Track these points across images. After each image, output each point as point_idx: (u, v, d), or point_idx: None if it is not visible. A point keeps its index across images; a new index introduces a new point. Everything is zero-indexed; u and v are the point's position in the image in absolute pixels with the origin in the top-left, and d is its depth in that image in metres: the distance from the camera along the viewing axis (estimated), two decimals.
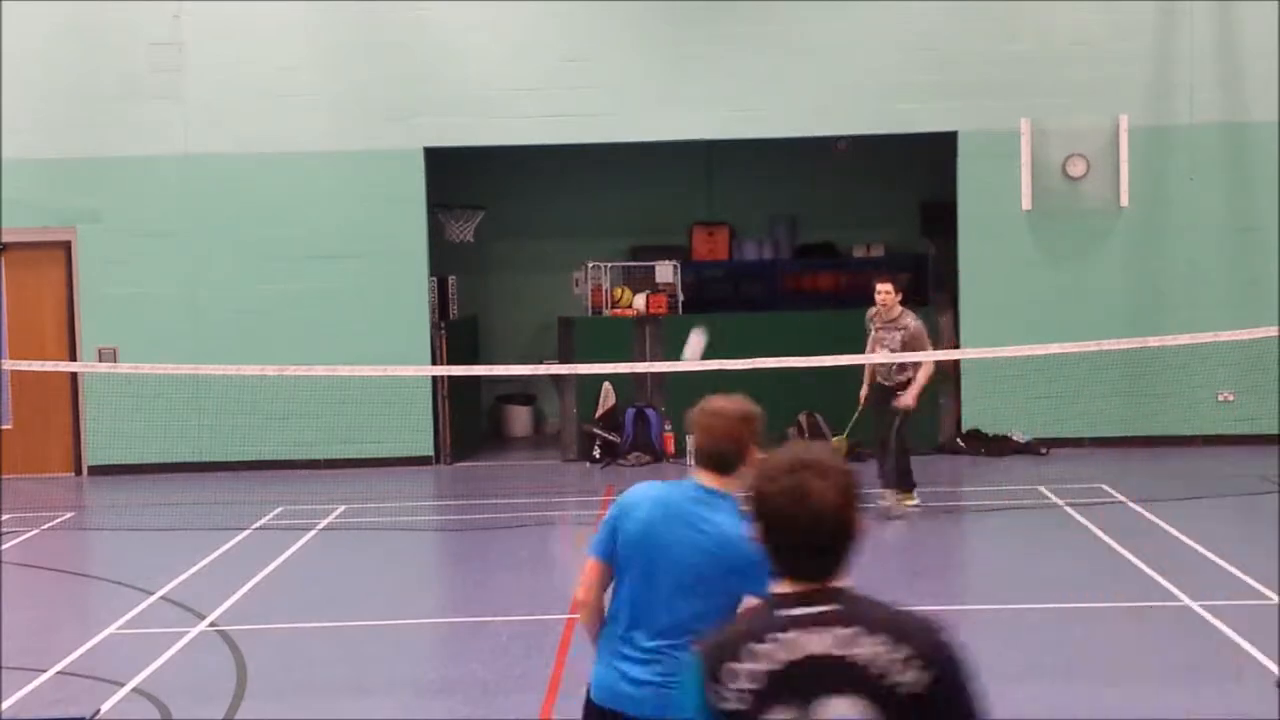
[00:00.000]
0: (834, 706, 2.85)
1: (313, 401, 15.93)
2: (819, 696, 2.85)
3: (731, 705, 2.89)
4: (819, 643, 2.88)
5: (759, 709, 2.87)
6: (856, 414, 12.92)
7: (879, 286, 12.75)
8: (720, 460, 4.66)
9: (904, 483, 12.68)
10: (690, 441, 3.89)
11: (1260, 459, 14.68)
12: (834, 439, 13.27)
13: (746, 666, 2.89)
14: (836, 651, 2.87)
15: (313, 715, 7.75)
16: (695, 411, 4.76)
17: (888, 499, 12.55)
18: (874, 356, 12.74)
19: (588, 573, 4.83)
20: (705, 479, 4.68)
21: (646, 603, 4.66)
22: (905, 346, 12.53)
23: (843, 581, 3.00)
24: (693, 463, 4.77)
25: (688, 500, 4.67)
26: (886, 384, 12.67)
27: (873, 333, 12.79)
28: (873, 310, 12.82)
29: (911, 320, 12.62)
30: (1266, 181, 15.95)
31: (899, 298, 12.73)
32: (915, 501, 12.74)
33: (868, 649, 2.87)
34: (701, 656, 2.98)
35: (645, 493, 4.79)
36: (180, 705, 7.93)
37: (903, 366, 12.59)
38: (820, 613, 2.92)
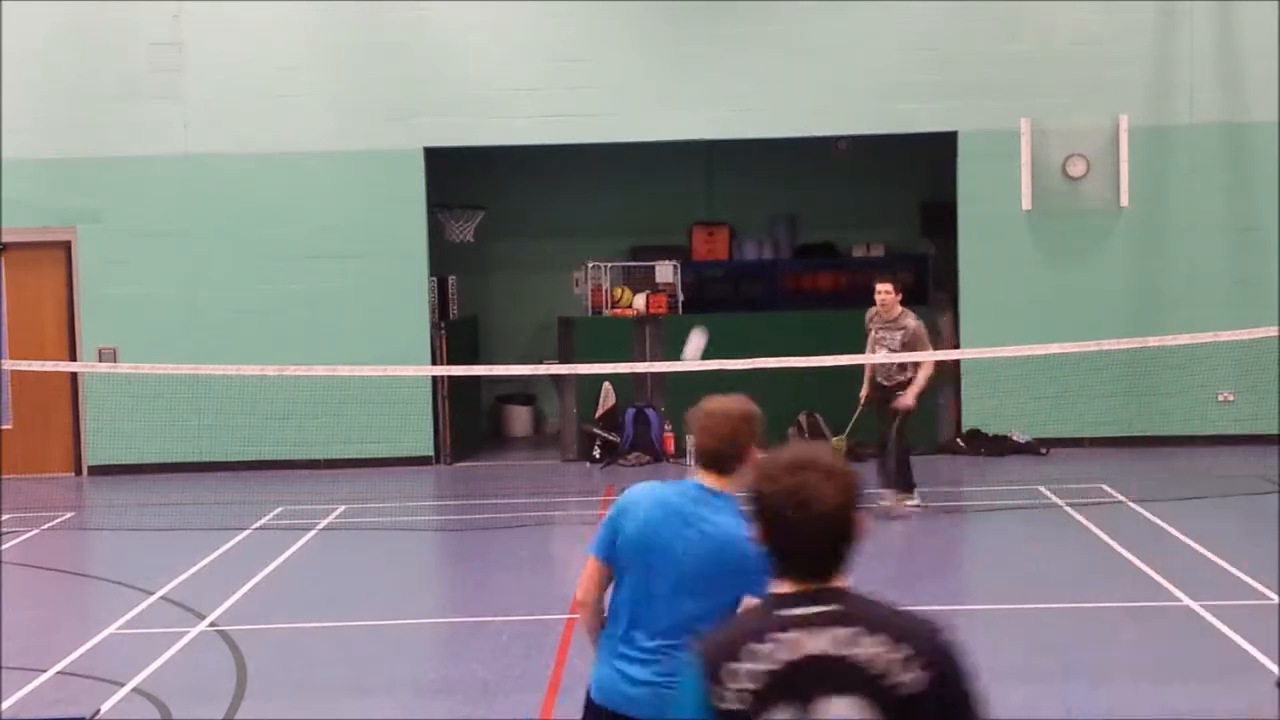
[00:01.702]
0: (834, 707, 2.84)
1: (313, 401, 15.93)
2: (819, 697, 2.84)
3: (731, 705, 2.87)
4: (819, 643, 2.87)
5: (759, 709, 2.86)
6: (857, 414, 12.91)
7: (879, 287, 12.74)
8: (720, 460, 4.66)
9: (904, 482, 12.68)
10: (690, 441, 3.89)
11: (1260, 459, 14.68)
12: (834, 439, 13.26)
13: (746, 666, 2.87)
14: (836, 651, 2.86)
15: (313, 715, 7.75)
16: (695, 411, 4.76)
17: (888, 499, 12.55)
18: (874, 357, 12.72)
19: (587, 573, 4.83)
20: (705, 479, 4.68)
21: (646, 603, 4.66)
22: (905, 347, 12.52)
23: (843, 582, 3.00)
24: (693, 463, 4.75)
25: (688, 500, 4.66)
26: (887, 384, 12.66)
27: (873, 333, 12.77)
28: (872, 310, 12.80)
29: (912, 320, 12.61)
30: (1266, 181, 15.95)
31: (899, 298, 12.73)
32: (915, 501, 12.74)
33: (868, 649, 2.86)
34: (700, 656, 2.96)
35: (645, 493, 4.78)
36: (180, 705, 7.93)
37: (903, 366, 12.58)
38: (820, 613, 2.91)
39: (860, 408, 12.89)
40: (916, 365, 12.58)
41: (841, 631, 2.88)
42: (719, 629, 3.09)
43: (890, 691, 2.84)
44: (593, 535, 4.89)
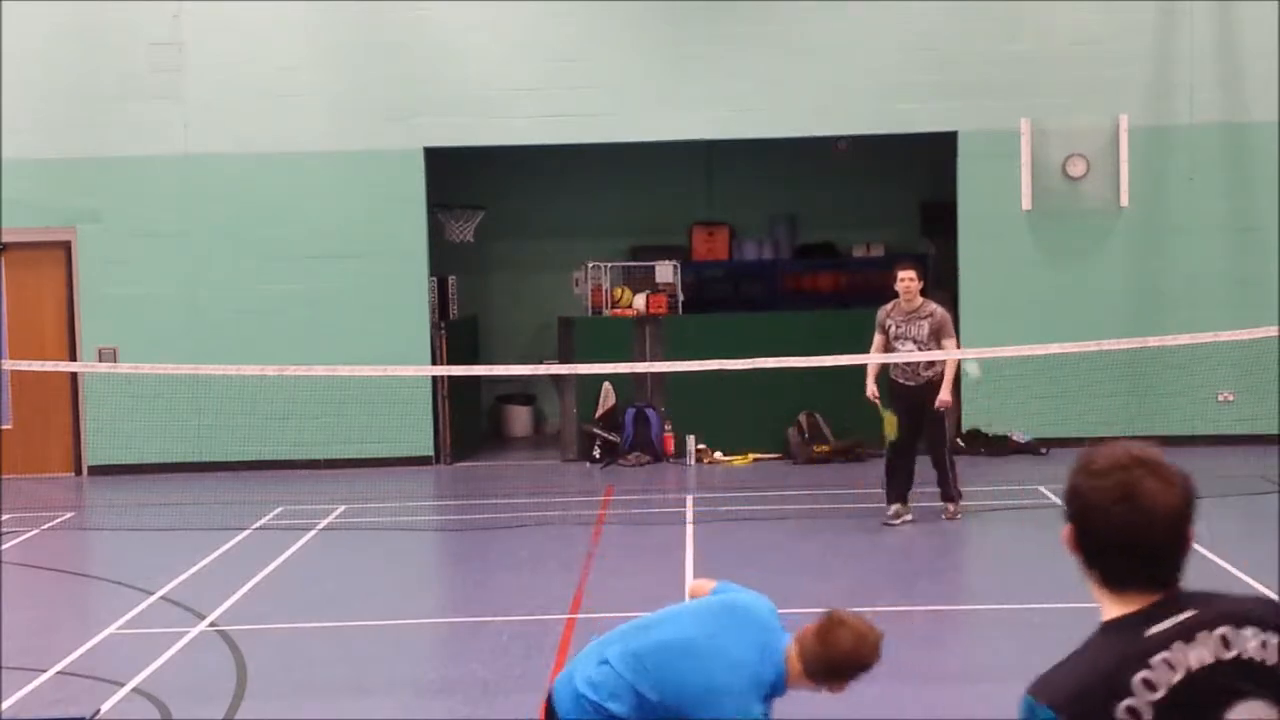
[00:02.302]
0: (1239, 714, 2.61)
1: (313, 401, 15.93)
2: (1220, 709, 2.61)
3: None
4: (1201, 653, 2.63)
5: None
6: (886, 416, 12.19)
7: (902, 274, 12.11)
8: (827, 676, 4.78)
9: (955, 488, 12.43)
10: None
11: (1260, 459, 14.67)
12: (885, 413, 12.23)
13: (1144, 699, 2.57)
14: (1222, 656, 2.63)
15: (313, 715, 7.76)
16: (844, 631, 4.80)
17: (951, 510, 12.37)
18: (889, 356, 12.16)
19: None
20: (794, 663, 4.78)
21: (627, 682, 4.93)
22: (934, 335, 12.01)
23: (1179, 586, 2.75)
24: (800, 663, 4.82)
25: (757, 652, 4.81)
26: (912, 384, 12.08)
27: (891, 330, 12.12)
28: (890, 305, 12.22)
29: (935, 307, 12.13)
30: (1266, 181, 15.95)
31: (921, 286, 12.17)
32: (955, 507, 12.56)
33: (1246, 645, 2.65)
34: (1062, 709, 2.59)
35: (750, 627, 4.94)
36: (180, 705, 7.93)
37: (930, 362, 12.06)
38: (1184, 622, 2.66)
39: (885, 408, 12.18)
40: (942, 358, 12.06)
41: (1213, 635, 2.65)
42: (1060, 674, 2.69)
43: None
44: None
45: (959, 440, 16.08)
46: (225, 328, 16.20)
